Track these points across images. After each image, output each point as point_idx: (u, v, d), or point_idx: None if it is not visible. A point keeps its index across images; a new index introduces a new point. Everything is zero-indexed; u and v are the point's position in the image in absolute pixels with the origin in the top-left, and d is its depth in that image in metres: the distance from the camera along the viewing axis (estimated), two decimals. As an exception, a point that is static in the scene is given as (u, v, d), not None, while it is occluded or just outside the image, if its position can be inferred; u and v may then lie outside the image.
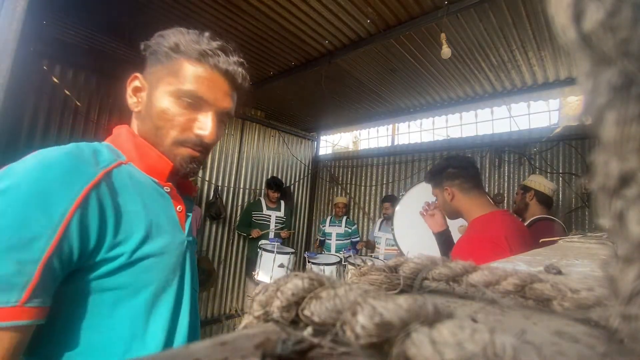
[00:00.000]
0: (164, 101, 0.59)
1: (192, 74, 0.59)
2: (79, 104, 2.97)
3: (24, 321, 0.41)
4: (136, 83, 0.63)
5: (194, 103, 0.60)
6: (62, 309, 0.48)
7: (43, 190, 0.45)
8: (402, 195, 2.64)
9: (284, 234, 3.87)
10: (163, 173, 0.62)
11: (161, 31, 0.62)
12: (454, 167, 1.29)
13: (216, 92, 0.62)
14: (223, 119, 0.66)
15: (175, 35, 0.60)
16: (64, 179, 0.47)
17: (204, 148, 0.64)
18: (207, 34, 0.63)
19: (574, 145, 2.99)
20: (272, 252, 3.14)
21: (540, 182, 2.24)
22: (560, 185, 3.04)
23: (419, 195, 2.46)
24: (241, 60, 0.66)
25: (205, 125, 0.61)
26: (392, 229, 2.51)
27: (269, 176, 4.58)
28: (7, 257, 0.40)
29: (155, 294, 0.57)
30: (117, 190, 0.53)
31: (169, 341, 0.58)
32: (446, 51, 2.04)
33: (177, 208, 0.65)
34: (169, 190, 0.64)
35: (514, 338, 0.10)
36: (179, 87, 0.59)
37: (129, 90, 0.63)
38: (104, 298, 0.51)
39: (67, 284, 0.48)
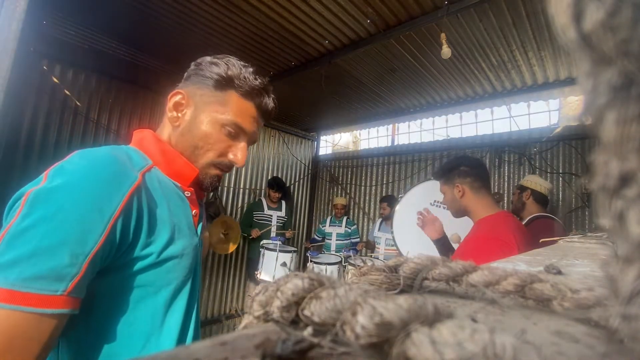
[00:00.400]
0: (209, 126, 0.65)
1: (239, 108, 0.66)
2: (78, 103, 2.97)
3: (66, 310, 0.44)
4: (179, 99, 0.66)
5: (235, 133, 0.67)
6: (94, 302, 0.51)
7: (98, 190, 0.49)
8: (401, 197, 2.63)
9: (288, 233, 3.88)
10: (187, 179, 0.67)
11: (213, 57, 0.68)
12: (466, 165, 1.32)
13: (253, 126, 0.69)
14: (249, 145, 0.73)
15: (230, 68, 0.66)
16: (115, 181, 0.52)
17: (229, 170, 0.71)
18: (251, 69, 0.69)
19: (574, 145, 2.99)
20: (275, 250, 3.14)
21: (535, 182, 2.25)
22: (560, 185, 3.04)
23: (417, 197, 2.47)
24: (274, 97, 0.73)
25: (240, 153, 0.69)
26: (392, 231, 2.51)
27: (269, 176, 4.59)
28: (63, 249, 0.44)
29: (173, 293, 0.61)
30: (151, 193, 0.58)
31: (181, 337, 0.62)
32: (446, 51, 2.04)
33: (193, 212, 0.69)
34: (189, 195, 0.68)
35: (514, 338, 0.10)
36: (226, 118, 0.65)
37: (170, 104, 0.66)
38: (131, 294, 0.55)
39: (101, 278, 0.51)
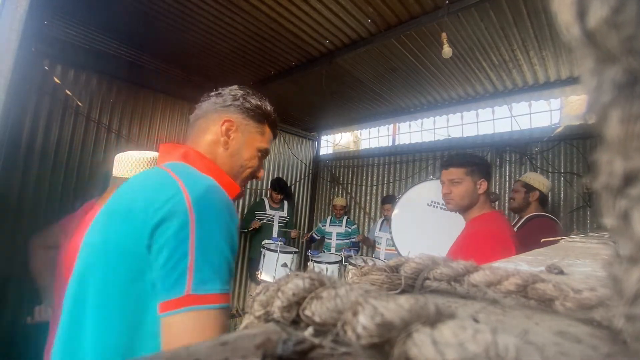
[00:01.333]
0: (252, 152, 0.83)
1: (269, 138, 0.87)
2: (80, 103, 2.97)
3: (228, 303, 0.56)
4: (229, 126, 0.80)
5: (263, 156, 0.86)
6: None
7: (231, 210, 0.62)
8: (398, 199, 2.63)
9: (294, 233, 3.88)
10: (231, 194, 0.77)
11: (240, 88, 0.84)
12: (489, 166, 1.40)
13: (269, 149, 0.89)
14: None
15: (265, 105, 0.85)
16: (231, 201, 0.65)
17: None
18: (267, 102, 0.87)
19: (576, 145, 2.98)
20: (275, 251, 3.13)
21: (540, 182, 2.24)
22: (562, 185, 3.03)
23: (415, 198, 2.47)
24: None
25: (262, 171, 0.88)
26: (391, 233, 2.52)
27: (270, 176, 4.59)
28: (231, 257, 0.58)
29: None
30: None
31: None
32: (447, 51, 2.03)
33: None
34: None
35: (516, 338, 0.10)
36: (263, 146, 0.84)
37: (223, 130, 0.79)
38: None
39: None
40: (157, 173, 0.65)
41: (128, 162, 1.33)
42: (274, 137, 0.90)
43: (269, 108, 0.86)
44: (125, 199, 0.62)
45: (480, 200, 1.33)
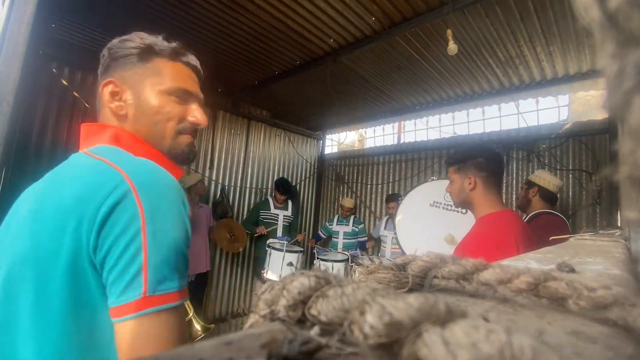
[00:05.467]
0: (158, 99, 0.65)
1: (174, 72, 0.67)
2: (88, 105, 3.01)
3: (186, 298, 0.52)
4: (112, 88, 0.64)
5: (183, 97, 0.68)
6: None
7: (181, 196, 0.55)
8: (401, 199, 2.62)
9: (300, 237, 3.89)
10: (178, 177, 0.69)
11: (116, 39, 0.67)
12: (485, 158, 1.25)
13: (194, 85, 0.70)
14: (202, 107, 0.74)
15: (144, 38, 0.66)
16: (180, 188, 0.57)
17: (196, 134, 0.72)
18: (162, 35, 0.69)
19: (584, 142, 2.94)
20: (281, 250, 3.14)
21: (544, 178, 2.19)
22: (571, 182, 2.98)
23: (418, 198, 2.47)
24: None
25: (197, 113, 0.69)
26: (395, 233, 2.51)
27: (275, 175, 4.60)
28: (186, 248, 0.52)
29: None
30: None
31: None
32: (452, 47, 2.01)
33: None
34: None
35: (532, 339, 0.10)
36: (168, 85, 0.65)
37: (106, 96, 0.64)
38: None
39: None
40: (86, 162, 0.55)
41: None
42: (190, 65, 0.70)
43: (153, 40, 0.66)
44: (52, 197, 0.51)
45: (478, 197, 1.23)
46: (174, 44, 0.68)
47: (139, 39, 0.65)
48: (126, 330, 0.45)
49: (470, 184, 1.23)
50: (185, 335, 0.50)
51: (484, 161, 1.24)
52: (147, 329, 0.45)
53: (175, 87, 0.66)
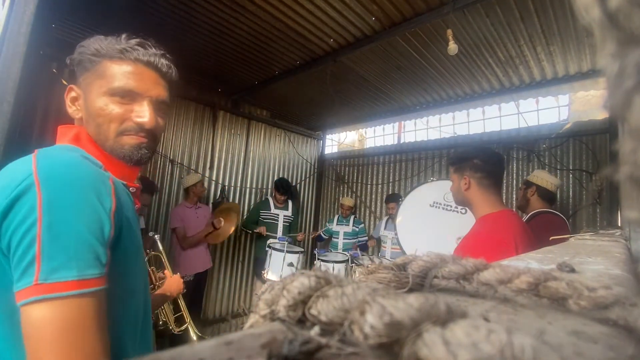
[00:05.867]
0: (99, 101, 0.65)
1: (116, 71, 0.66)
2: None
3: (105, 285, 0.52)
4: (72, 94, 0.69)
5: (127, 96, 0.66)
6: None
7: (98, 190, 0.55)
8: (402, 200, 2.63)
9: (300, 237, 3.89)
10: (132, 177, 0.71)
11: (81, 43, 0.68)
12: (481, 159, 1.26)
13: (145, 83, 0.68)
14: (160, 107, 0.72)
15: (95, 42, 0.66)
16: (102, 180, 0.57)
17: (148, 134, 0.69)
18: (124, 35, 0.68)
19: (585, 141, 2.94)
20: (282, 250, 3.14)
21: (542, 178, 2.20)
22: (571, 182, 2.98)
23: (419, 199, 2.47)
24: (162, 51, 0.72)
25: (141, 113, 0.67)
26: (396, 234, 2.52)
27: (275, 175, 4.60)
28: (97, 239, 0.52)
29: (138, 291, 0.68)
30: (116, 189, 0.61)
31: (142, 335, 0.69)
32: (452, 47, 2.01)
33: (137, 207, 0.72)
34: (134, 190, 0.72)
35: (532, 339, 0.10)
36: (109, 87, 0.65)
37: (67, 101, 0.69)
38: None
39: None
40: (21, 159, 0.57)
41: None
42: (143, 62, 0.68)
43: (99, 42, 0.66)
44: None
45: (475, 197, 1.24)
46: (124, 43, 0.67)
47: (92, 43, 0.66)
48: (24, 315, 0.47)
49: (465, 184, 1.26)
50: (92, 326, 0.49)
51: (481, 162, 1.25)
52: (41, 316, 0.46)
53: (116, 87, 0.65)
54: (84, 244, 0.50)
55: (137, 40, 0.68)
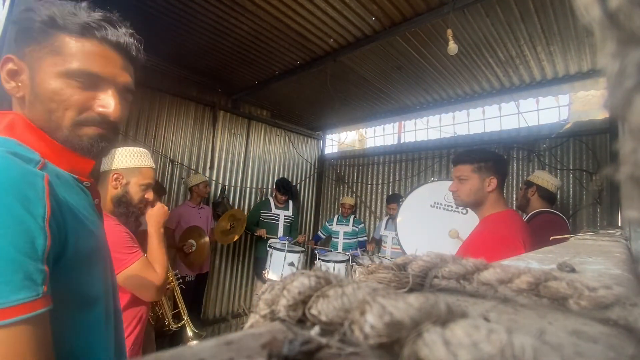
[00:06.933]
0: (54, 82, 0.54)
1: (77, 50, 0.55)
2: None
3: (49, 307, 0.44)
4: (11, 65, 0.56)
5: (89, 82, 0.56)
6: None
7: (23, 196, 0.44)
8: (402, 201, 2.63)
9: (300, 238, 3.89)
10: (84, 171, 0.62)
11: (27, 6, 0.56)
12: (501, 161, 1.32)
13: (111, 67, 0.58)
14: (125, 96, 0.63)
15: (48, 8, 0.54)
16: (30, 182, 0.46)
17: (110, 126, 0.60)
18: (84, 3, 0.57)
19: (585, 141, 2.94)
20: (283, 250, 3.14)
21: (543, 178, 2.21)
22: (571, 182, 2.98)
23: (419, 199, 2.47)
24: (131, 31, 0.61)
25: (107, 103, 0.58)
26: (397, 234, 2.52)
27: (276, 175, 4.60)
28: (26, 255, 0.43)
29: (97, 292, 0.61)
30: (55, 188, 0.51)
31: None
32: (452, 47, 2.01)
33: (95, 201, 0.65)
34: (89, 185, 0.63)
35: (533, 338, 0.10)
36: (68, 67, 0.54)
37: (3, 75, 0.56)
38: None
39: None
40: None
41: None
42: (110, 43, 0.57)
43: (60, 10, 0.54)
44: None
45: (490, 198, 1.27)
46: (86, 16, 0.55)
47: (44, 8, 0.54)
48: None
49: (490, 185, 1.26)
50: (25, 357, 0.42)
51: (501, 164, 1.31)
52: None
53: (77, 69, 0.54)
54: (9, 264, 0.41)
55: (102, 14, 0.57)
